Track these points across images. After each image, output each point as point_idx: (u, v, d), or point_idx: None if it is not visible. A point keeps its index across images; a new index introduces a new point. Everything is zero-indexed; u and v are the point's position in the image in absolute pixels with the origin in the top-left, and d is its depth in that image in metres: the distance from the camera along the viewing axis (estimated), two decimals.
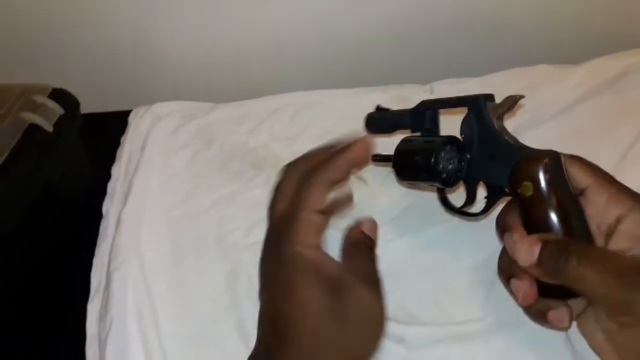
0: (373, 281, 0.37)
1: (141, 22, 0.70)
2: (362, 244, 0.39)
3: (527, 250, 0.35)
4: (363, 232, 0.40)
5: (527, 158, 0.38)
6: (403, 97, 0.64)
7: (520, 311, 0.44)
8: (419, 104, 0.47)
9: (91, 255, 0.53)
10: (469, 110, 0.42)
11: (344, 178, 0.39)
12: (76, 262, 0.54)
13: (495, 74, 0.66)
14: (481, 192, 0.44)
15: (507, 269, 0.39)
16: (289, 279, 0.34)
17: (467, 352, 0.42)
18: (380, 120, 0.51)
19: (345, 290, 0.35)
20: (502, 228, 0.40)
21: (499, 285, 0.45)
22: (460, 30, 0.72)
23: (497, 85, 0.65)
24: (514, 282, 0.37)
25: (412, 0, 0.69)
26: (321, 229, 0.37)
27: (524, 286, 0.37)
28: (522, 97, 0.42)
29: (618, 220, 0.35)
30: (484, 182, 0.43)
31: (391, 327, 0.43)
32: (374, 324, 0.36)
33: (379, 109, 0.52)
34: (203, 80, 0.76)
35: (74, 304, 0.50)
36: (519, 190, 0.38)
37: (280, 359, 0.33)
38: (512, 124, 0.59)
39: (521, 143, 0.41)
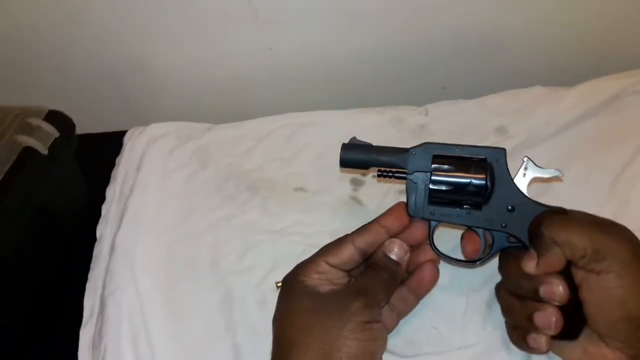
0: (372, 303, 0.39)
1: (137, 44, 0.70)
2: (380, 266, 0.41)
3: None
4: (387, 256, 0.41)
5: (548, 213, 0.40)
6: (398, 119, 0.64)
7: None
8: (423, 145, 0.43)
9: (84, 279, 0.52)
10: (486, 160, 0.42)
11: (374, 242, 0.42)
12: (69, 286, 0.54)
13: (490, 95, 0.66)
14: None
15: (522, 327, 0.41)
16: (288, 300, 0.40)
17: None
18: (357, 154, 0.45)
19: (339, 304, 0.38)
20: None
21: (495, 308, 0.45)
22: (456, 52, 0.73)
23: (492, 106, 0.65)
24: (540, 316, 0.38)
25: (407, 22, 0.70)
26: (327, 275, 0.40)
27: (554, 313, 0.38)
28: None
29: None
30: (490, 231, 0.42)
31: None
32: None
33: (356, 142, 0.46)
34: (199, 101, 0.76)
35: (65, 329, 0.50)
36: None
37: None
38: (509, 146, 0.59)
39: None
